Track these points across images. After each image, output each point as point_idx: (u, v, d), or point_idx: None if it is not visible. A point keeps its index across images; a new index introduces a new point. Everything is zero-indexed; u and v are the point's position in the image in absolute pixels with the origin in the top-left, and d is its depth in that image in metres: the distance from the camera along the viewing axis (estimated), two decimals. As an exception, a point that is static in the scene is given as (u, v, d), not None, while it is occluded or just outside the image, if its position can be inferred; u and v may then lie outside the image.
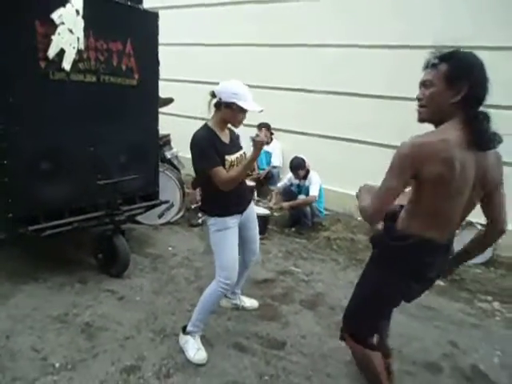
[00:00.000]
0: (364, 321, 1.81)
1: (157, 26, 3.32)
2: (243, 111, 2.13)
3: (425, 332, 2.73)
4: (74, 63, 2.77)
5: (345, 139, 5.19)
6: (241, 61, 5.88)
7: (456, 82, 1.42)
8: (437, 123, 1.52)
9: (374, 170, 4.73)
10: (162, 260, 3.51)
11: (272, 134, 5.67)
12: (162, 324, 2.57)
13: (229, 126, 2.27)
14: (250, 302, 2.88)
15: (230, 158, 2.16)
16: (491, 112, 1.46)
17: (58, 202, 2.81)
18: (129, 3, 3.07)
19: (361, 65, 4.90)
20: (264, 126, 5.61)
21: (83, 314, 2.59)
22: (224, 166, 2.13)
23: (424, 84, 1.52)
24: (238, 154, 2.25)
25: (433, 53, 1.51)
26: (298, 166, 4.46)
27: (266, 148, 5.60)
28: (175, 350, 2.31)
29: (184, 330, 2.34)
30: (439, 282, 3.40)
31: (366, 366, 1.89)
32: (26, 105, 2.56)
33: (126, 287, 2.98)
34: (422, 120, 1.56)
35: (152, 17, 3.28)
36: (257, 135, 2.16)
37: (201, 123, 2.29)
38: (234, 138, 2.35)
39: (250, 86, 6.25)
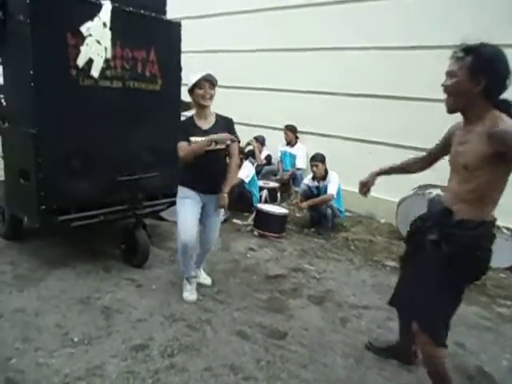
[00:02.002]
0: (443, 320, 1.83)
1: (179, 35, 3.56)
2: (197, 87, 2.63)
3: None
4: (102, 71, 3.05)
5: (368, 141, 5.19)
6: (263, 66, 6.08)
7: (476, 74, 1.58)
8: (462, 111, 1.70)
9: (398, 172, 4.78)
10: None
11: (297, 137, 5.78)
12: (173, 310, 2.75)
13: (216, 114, 2.80)
14: (204, 279, 3.15)
15: (195, 139, 2.62)
16: None
17: (85, 196, 3.09)
18: (153, 14, 3.33)
19: (385, 67, 4.90)
20: (290, 129, 5.74)
21: (103, 298, 2.84)
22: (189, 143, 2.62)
23: (449, 74, 1.68)
24: (205, 138, 2.62)
25: (460, 45, 1.66)
26: (317, 158, 4.55)
27: (290, 150, 5.76)
28: (181, 334, 2.49)
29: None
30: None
31: (438, 366, 1.88)
32: (58, 109, 2.86)
33: (145, 276, 3.21)
34: (449, 110, 1.72)
35: (175, 26, 3.52)
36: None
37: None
38: (219, 125, 2.75)
39: (273, 90, 6.49)
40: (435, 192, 4.14)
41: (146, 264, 3.35)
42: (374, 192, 5.20)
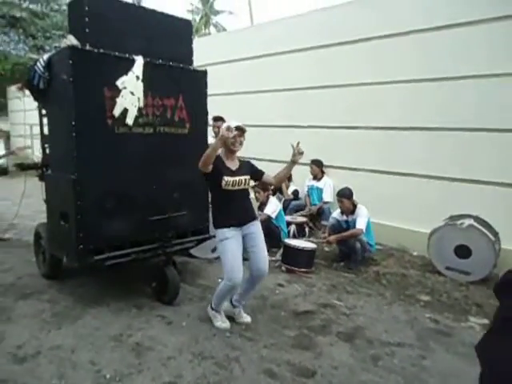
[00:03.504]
0: None
1: (205, 82, 3.81)
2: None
3: (466, 371, 2.57)
4: (135, 118, 3.31)
5: (396, 173, 5.17)
6: (288, 103, 6.30)
7: None
8: None
9: (428, 203, 4.74)
10: (211, 291, 3.74)
11: (323, 171, 5.84)
12: (202, 347, 2.78)
13: (238, 157, 3.00)
14: (244, 318, 3.15)
15: (227, 178, 2.82)
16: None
17: (119, 236, 3.26)
18: (181, 65, 3.61)
19: (411, 99, 4.96)
20: (315, 163, 5.82)
21: (135, 335, 2.92)
22: (221, 183, 2.81)
23: None
24: (237, 178, 2.87)
25: None
26: (343, 194, 4.53)
27: (316, 184, 5.81)
28: (209, 372, 2.50)
29: (211, 307, 3.08)
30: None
31: None
32: (96, 155, 3.11)
33: (175, 313, 3.27)
34: None
35: (201, 74, 3.78)
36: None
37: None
38: (243, 167, 2.98)
39: (301, 127, 6.69)
40: (467, 222, 4.04)
41: (176, 301, 3.42)
42: (405, 224, 5.17)
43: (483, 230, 3.98)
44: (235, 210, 2.91)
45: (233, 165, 2.96)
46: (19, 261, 4.41)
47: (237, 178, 2.88)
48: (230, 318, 3.13)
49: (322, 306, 3.51)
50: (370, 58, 5.28)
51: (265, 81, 6.63)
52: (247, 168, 3.03)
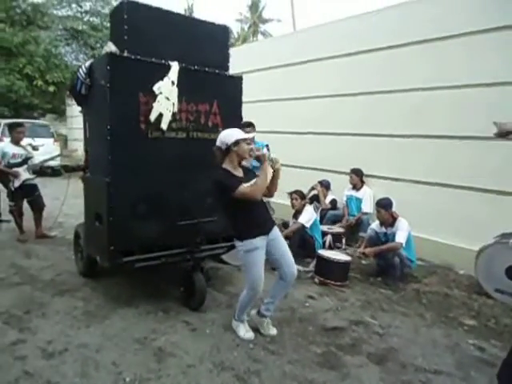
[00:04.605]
0: None
1: (241, 88, 3.79)
2: (245, 142, 2.77)
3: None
4: (169, 123, 3.35)
5: (443, 184, 4.84)
6: (327, 111, 6.15)
7: None
8: None
9: (478, 217, 4.37)
10: (238, 299, 3.70)
11: (363, 180, 5.61)
12: (223, 357, 2.71)
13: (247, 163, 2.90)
14: (270, 330, 3.05)
15: (247, 184, 2.70)
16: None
17: (148, 239, 3.29)
18: (216, 71, 3.61)
19: (460, 106, 4.63)
20: (355, 172, 5.61)
21: (159, 340, 2.91)
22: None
23: None
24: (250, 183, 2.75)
25: None
26: (381, 204, 4.31)
27: (355, 194, 5.60)
28: (228, 384, 2.43)
29: (235, 318, 3.03)
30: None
31: None
32: (129, 159, 3.17)
33: (201, 320, 3.24)
34: None
35: (236, 80, 3.76)
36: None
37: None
38: (247, 172, 2.91)
39: (339, 134, 6.54)
40: (522, 241, 3.65)
41: (202, 307, 3.39)
42: (452, 239, 4.82)
43: (540, 250, 3.58)
44: (259, 218, 2.85)
45: (239, 173, 2.87)
46: (60, 258, 4.63)
47: (255, 180, 2.80)
48: (256, 330, 3.04)
49: (354, 322, 3.32)
50: (419, 63, 5.01)
51: (303, 87, 6.52)
52: (250, 172, 2.97)
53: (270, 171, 2.78)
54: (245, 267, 2.91)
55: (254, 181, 2.76)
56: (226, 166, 2.84)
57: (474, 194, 4.51)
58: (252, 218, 2.80)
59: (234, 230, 2.89)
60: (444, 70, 4.75)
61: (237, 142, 2.77)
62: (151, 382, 2.44)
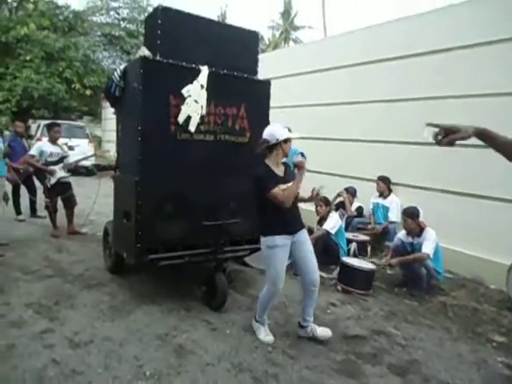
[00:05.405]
0: None
1: (268, 92, 3.83)
2: (289, 141, 2.89)
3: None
4: (197, 126, 3.42)
5: (474, 195, 4.67)
6: (356, 117, 6.09)
7: None
8: None
9: (509, 230, 4.18)
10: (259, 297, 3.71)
11: (390, 188, 5.50)
12: (242, 359, 2.73)
13: (283, 160, 2.95)
14: (321, 331, 3.01)
15: (282, 187, 2.77)
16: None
17: (173, 238, 3.36)
18: (245, 75, 3.67)
19: (495, 114, 4.47)
20: (382, 180, 5.52)
21: (180, 337, 2.97)
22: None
23: None
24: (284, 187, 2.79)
25: None
26: (407, 213, 4.21)
27: (382, 202, 5.50)
28: (245, 385, 2.44)
29: (255, 319, 3.03)
30: None
31: None
32: (158, 159, 3.26)
33: (221, 320, 3.27)
34: None
35: (264, 85, 3.81)
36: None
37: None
38: (289, 172, 2.95)
39: (367, 141, 6.46)
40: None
41: (223, 308, 3.42)
42: (483, 252, 4.63)
43: None
44: (288, 217, 2.88)
45: (281, 171, 2.93)
46: (90, 254, 4.80)
47: (289, 185, 2.84)
48: (275, 334, 3.03)
49: (376, 332, 3.25)
50: (446, 71, 4.88)
51: (334, 92, 6.49)
52: (290, 170, 3.00)
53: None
54: (266, 263, 2.93)
55: (287, 185, 2.80)
56: (269, 161, 2.90)
57: (509, 205, 4.33)
58: (280, 215, 2.82)
59: (260, 224, 2.95)
60: (478, 77, 4.61)
61: (287, 140, 2.86)
62: (170, 377, 2.48)
